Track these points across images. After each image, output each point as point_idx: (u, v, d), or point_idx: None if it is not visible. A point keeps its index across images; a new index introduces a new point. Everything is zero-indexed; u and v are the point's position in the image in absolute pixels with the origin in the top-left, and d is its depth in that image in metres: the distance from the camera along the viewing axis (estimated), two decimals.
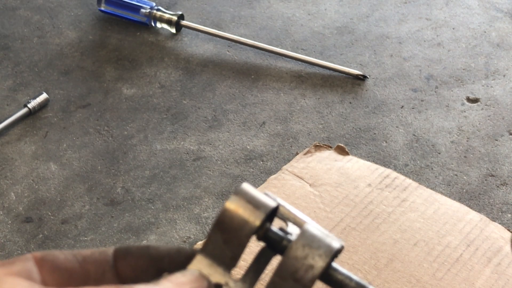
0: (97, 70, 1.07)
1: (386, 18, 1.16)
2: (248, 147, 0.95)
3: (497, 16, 1.16)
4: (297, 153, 0.90)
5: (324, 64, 1.06)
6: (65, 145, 0.96)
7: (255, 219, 0.38)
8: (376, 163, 0.89)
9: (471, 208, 0.83)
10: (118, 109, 1.01)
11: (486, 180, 0.90)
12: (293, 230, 0.39)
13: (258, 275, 0.39)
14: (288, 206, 0.40)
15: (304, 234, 0.37)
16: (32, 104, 0.99)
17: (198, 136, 0.96)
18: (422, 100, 1.01)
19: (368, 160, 0.89)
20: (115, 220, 0.86)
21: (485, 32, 1.13)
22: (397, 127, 0.97)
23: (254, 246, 0.41)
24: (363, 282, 0.38)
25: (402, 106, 1.00)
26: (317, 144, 0.90)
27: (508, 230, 0.81)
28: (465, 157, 0.93)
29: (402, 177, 0.86)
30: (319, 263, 0.37)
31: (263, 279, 0.39)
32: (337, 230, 0.79)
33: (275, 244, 0.39)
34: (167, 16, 1.13)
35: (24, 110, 0.99)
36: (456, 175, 0.91)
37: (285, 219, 0.40)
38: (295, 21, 1.16)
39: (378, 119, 0.98)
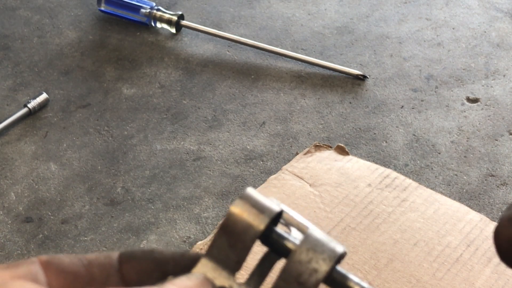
0: (97, 70, 1.07)
1: (386, 18, 1.16)
2: (248, 147, 0.95)
3: (497, 16, 1.16)
4: (297, 153, 0.91)
5: (324, 64, 1.06)
6: (65, 145, 0.96)
7: (260, 223, 0.38)
8: (376, 163, 0.89)
9: (471, 208, 0.84)
10: (118, 109, 1.01)
11: (486, 180, 0.90)
12: (297, 235, 0.39)
13: (262, 279, 0.39)
14: (291, 212, 0.40)
15: (308, 238, 0.38)
16: (32, 104, 0.99)
17: (198, 136, 0.96)
18: (422, 100, 1.01)
19: (368, 160, 0.89)
20: (115, 220, 0.86)
21: (485, 32, 1.13)
22: (397, 127, 0.97)
23: (258, 250, 0.42)
24: (369, 287, 0.38)
25: (402, 106, 1.00)
26: (317, 144, 0.90)
27: None
28: (465, 157, 0.93)
29: (402, 177, 0.86)
30: (323, 267, 0.37)
31: (267, 283, 0.39)
32: (337, 230, 0.79)
33: (279, 248, 0.39)
34: (167, 16, 1.13)
35: (24, 110, 0.99)
36: (456, 175, 0.91)
37: (288, 224, 0.40)
38: (295, 21, 1.16)
39: (378, 119, 0.98)
